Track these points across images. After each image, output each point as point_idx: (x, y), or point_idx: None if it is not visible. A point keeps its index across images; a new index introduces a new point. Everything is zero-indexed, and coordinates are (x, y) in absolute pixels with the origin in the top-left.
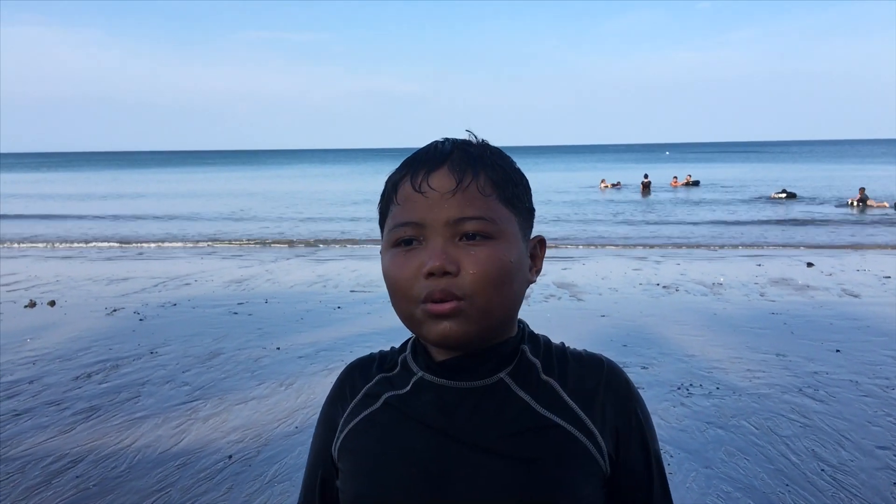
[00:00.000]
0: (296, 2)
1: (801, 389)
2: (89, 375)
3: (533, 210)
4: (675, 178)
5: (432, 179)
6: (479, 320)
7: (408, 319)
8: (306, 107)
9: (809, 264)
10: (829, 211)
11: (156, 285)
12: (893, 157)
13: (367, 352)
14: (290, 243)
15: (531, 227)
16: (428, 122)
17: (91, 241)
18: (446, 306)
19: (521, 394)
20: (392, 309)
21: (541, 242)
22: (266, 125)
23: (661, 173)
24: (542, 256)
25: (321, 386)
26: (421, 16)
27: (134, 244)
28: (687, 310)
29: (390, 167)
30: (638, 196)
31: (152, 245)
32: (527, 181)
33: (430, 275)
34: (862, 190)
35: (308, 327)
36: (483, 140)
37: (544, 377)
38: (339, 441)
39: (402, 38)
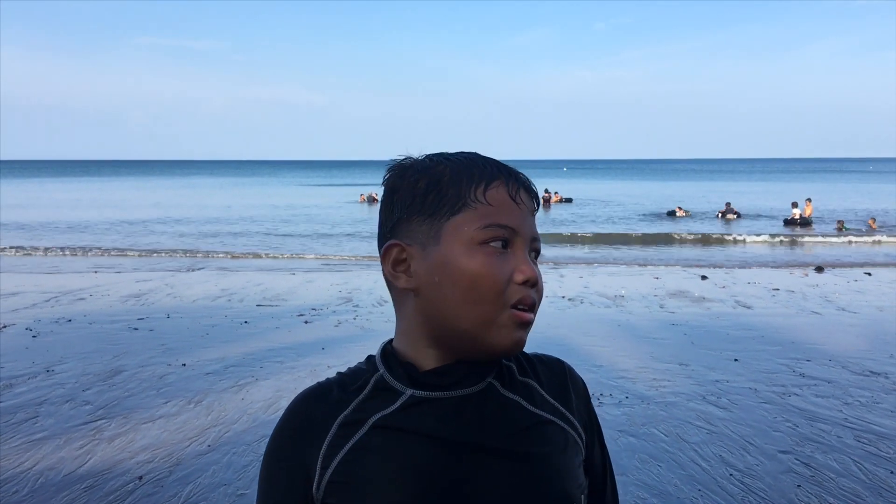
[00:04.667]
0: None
1: (704, 397)
2: None
3: None
4: (554, 194)
5: (521, 194)
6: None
7: (482, 321)
8: (203, 116)
9: (704, 277)
10: (714, 227)
11: (48, 300)
12: (759, 174)
13: (278, 368)
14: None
15: None
16: (330, 133)
17: None
18: (532, 316)
19: (511, 395)
20: (297, 322)
21: None
22: (162, 134)
23: (559, 188)
24: None
25: (232, 403)
26: (324, 27)
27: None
28: (592, 321)
29: (296, 177)
30: (540, 210)
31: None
32: None
33: (525, 282)
34: (728, 204)
35: (214, 343)
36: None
37: (521, 378)
38: (327, 477)
39: (305, 48)
